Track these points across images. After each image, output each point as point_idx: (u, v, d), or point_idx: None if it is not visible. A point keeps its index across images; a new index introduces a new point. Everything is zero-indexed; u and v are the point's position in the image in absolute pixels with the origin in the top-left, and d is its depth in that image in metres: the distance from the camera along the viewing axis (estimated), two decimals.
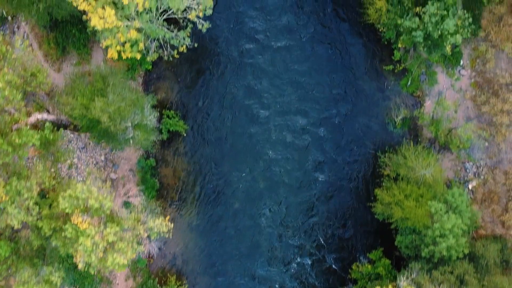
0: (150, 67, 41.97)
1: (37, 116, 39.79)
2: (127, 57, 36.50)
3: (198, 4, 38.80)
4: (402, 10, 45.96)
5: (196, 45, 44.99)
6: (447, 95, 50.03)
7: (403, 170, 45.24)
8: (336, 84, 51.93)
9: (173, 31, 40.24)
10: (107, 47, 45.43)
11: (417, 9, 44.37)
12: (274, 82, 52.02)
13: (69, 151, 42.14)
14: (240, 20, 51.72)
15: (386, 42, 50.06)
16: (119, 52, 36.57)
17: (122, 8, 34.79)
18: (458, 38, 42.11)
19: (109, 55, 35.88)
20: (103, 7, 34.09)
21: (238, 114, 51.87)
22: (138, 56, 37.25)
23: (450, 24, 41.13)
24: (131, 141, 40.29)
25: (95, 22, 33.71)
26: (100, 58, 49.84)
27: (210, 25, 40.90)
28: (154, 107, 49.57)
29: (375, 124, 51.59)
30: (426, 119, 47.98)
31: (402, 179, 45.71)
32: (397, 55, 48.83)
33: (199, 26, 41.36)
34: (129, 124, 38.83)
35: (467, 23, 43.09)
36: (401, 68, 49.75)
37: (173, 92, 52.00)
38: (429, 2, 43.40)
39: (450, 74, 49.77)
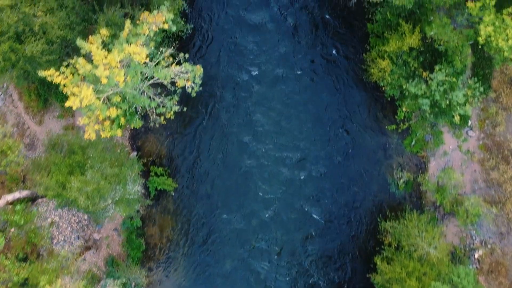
0: (140, 125, 38.88)
1: (6, 198, 36.74)
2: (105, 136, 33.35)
3: (186, 73, 35.59)
4: (408, 71, 42.81)
5: (185, 109, 41.76)
6: (453, 157, 46.94)
7: (405, 242, 42.28)
8: (334, 140, 48.81)
9: (159, 98, 37.05)
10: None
11: (425, 74, 41.16)
12: (269, 128, 49.09)
13: (45, 228, 39.06)
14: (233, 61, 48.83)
15: (389, 98, 47.03)
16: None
17: (101, 83, 31.60)
18: (468, 109, 38.97)
19: (86, 136, 32.75)
20: (77, 85, 30.97)
21: (230, 157, 48.94)
22: (119, 134, 34.11)
23: (459, 95, 37.94)
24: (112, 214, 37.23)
25: (70, 102, 30.56)
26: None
27: (201, 88, 37.63)
28: (141, 164, 46.98)
29: (375, 184, 48.53)
30: (430, 187, 44.88)
31: (404, 251, 42.71)
32: (400, 114, 45.64)
33: (188, 90, 38.19)
34: (110, 202, 35.80)
35: (477, 93, 39.89)
36: (404, 127, 46.57)
37: (162, 145, 49.05)
38: (437, 67, 40.22)
39: (457, 134, 46.63)
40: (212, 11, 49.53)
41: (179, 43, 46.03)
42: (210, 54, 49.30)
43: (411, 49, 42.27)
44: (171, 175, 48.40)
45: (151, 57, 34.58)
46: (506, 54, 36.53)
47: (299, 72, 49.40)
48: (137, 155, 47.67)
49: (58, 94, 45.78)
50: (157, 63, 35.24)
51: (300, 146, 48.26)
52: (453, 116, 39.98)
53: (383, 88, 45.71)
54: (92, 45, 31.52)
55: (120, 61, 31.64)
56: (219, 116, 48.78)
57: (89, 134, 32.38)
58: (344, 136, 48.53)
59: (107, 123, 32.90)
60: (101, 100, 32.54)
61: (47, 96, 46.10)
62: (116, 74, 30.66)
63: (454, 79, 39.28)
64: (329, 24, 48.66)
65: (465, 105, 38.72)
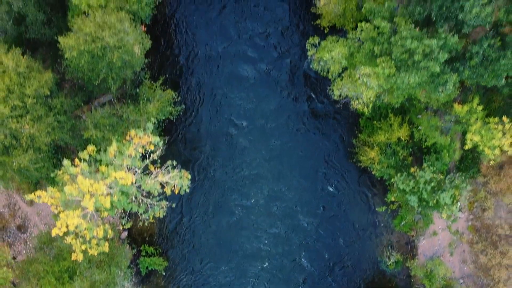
0: (129, 226, 39.21)
1: None
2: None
3: (174, 181, 35.71)
4: (397, 161, 42.91)
5: (173, 205, 41.87)
6: (442, 236, 47.19)
7: None
8: (325, 222, 48.95)
9: (148, 200, 37.20)
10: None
11: (413, 169, 41.28)
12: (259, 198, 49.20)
13: None
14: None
15: (379, 178, 47.17)
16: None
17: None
18: (455, 210, 39.16)
19: (73, 258, 32.86)
20: (64, 208, 31.19)
21: (222, 233, 49.21)
22: (107, 249, 34.27)
23: (446, 198, 38.10)
24: None
25: (56, 230, 30.76)
26: None
27: (189, 190, 37.72)
28: (131, 244, 47.36)
29: (365, 261, 48.83)
30: (419, 273, 45.17)
31: None
32: (390, 197, 45.78)
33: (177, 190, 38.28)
34: None
35: (464, 192, 40.09)
36: (394, 207, 46.78)
37: (153, 223, 49.16)
38: (425, 164, 40.37)
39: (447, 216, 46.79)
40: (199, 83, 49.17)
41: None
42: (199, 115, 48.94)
43: (400, 139, 42.37)
44: (162, 253, 48.66)
45: (139, 168, 34.67)
46: (491, 158, 36.76)
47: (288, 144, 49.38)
48: (127, 235, 47.88)
49: (49, 178, 45.99)
50: (145, 173, 35.37)
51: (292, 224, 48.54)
52: (441, 212, 40.16)
53: (373, 172, 45.76)
54: (77, 168, 31.64)
55: (107, 185, 31.74)
56: (209, 185, 48.69)
57: (77, 256, 32.53)
58: (335, 215, 48.65)
59: (94, 241, 33.04)
60: (88, 217, 32.71)
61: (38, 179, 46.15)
62: (102, 201, 30.79)
63: (442, 176, 39.41)
64: (319, 114, 48.19)
65: (452, 204, 38.86)
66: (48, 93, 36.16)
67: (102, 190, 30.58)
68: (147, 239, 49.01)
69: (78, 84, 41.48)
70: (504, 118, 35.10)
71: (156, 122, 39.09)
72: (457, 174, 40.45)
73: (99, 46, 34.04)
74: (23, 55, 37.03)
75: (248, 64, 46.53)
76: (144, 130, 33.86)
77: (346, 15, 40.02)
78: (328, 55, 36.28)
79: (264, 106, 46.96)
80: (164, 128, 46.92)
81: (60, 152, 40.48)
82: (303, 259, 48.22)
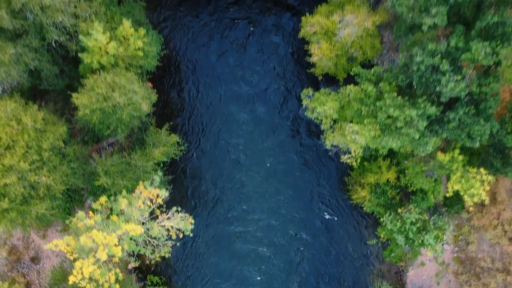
0: (137, 265, 42.47)
1: None
2: None
3: (178, 226, 38.86)
4: (386, 199, 45.98)
5: (177, 243, 45.01)
6: (430, 267, 50.28)
7: None
8: (318, 253, 52.05)
9: (155, 241, 40.34)
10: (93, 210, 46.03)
11: (400, 209, 44.36)
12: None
13: None
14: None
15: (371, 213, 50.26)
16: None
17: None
18: (439, 250, 42.24)
19: None
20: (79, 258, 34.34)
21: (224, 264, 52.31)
22: None
23: (430, 240, 41.20)
24: None
25: (73, 278, 33.92)
26: None
27: (192, 231, 40.89)
28: (138, 274, 50.45)
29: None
30: None
31: None
32: (380, 232, 48.85)
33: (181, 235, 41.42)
34: None
35: (447, 232, 43.16)
36: (384, 240, 49.81)
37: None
38: (411, 206, 43.45)
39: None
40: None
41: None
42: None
43: (389, 180, 45.43)
44: (167, 281, 51.79)
45: (147, 216, 37.82)
46: (470, 205, 39.83)
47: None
48: (134, 265, 50.98)
49: (61, 212, 49.14)
50: (151, 217, 38.52)
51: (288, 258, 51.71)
52: (426, 249, 43.24)
53: (364, 208, 48.85)
54: (91, 220, 34.77)
55: (119, 236, 34.88)
56: (209, 213, 51.86)
57: None
58: (327, 245, 51.73)
59: (107, 284, 36.16)
60: (100, 262, 35.84)
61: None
62: (115, 251, 33.92)
63: (426, 217, 42.49)
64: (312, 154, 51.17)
65: (436, 244, 41.92)
66: (63, 145, 39.25)
67: (114, 242, 33.73)
68: (152, 269, 52.13)
69: (89, 129, 44.50)
70: (482, 170, 38.18)
71: (161, 173, 41.99)
72: (440, 216, 43.44)
73: (110, 105, 37.14)
74: (38, 107, 40.22)
75: (246, 106, 49.71)
76: (151, 182, 36.93)
77: (338, 67, 43.09)
78: (321, 108, 39.35)
79: (262, 144, 50.12)
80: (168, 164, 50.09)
81: (72, 195, 43.53)
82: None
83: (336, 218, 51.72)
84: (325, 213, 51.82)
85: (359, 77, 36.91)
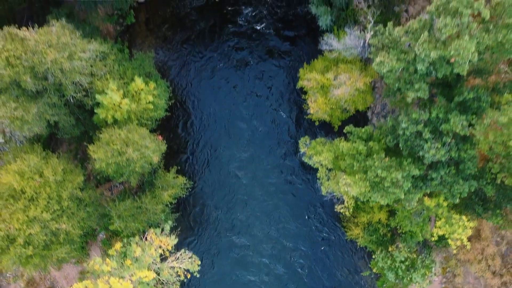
0: None
1: None
2: None
3: (186, 266, 42.42)
4: (378, 237, 49.48)
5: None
6: None
7: None
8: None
9: (163, 282, 43.91)
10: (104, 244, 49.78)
11: (391, 247, 47.88)
12: None
13: None
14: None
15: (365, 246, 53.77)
16: None
17: None
18: (426, 284, 45.77)
19: None
20: None
21: None
22: None
23: (417, 278, 44.72)
24: None
25: None
26: (97, 253, 53.68)
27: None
28: None
29: None
30: None
31: None
32: (373, 265, 52.39)
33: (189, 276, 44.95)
34: None
35: (433, 270, 46.68)
36: (377, 271, 53.34)
37: None
38: (401, 245, 46.96)
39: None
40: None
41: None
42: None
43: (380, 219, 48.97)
44: None
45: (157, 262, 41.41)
46: (454, 248, 43.40)
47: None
48: None
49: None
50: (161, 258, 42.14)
51: None
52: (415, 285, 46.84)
53: (358, 243, 52.42)
54: (108, 267, 38.33)
55: (133, 282, 38.47)
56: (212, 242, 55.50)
57: None
58: (323, 277, 55.32)
59: None
60: None
61: None
62: None
63: (414, 255, 46.03)
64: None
65: (423, 281, 45.47)
66: (80, 193, 42.80)
67: (129, 287, 37.34)
68: None
69: (103, 175, 48.01)
70: (464, 217, 41.74)
71: (171, 221, 45.56)
72: (428, 254, 46.98)
73: (124, 159, 40.66)
74: (57, 156, 43.79)
75: (248, 146, 53.42)
76: (162, 230, 40.49)
77: (333, 117, 46.58)
78: (317, 158, 42.86)
79: (263, 184, 53.74)
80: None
81: (86, 231, 46.88)
82: None
83: (331, 247, 55.31)
84: (321, 243, 55.50)
85: (351, 135, 40.43)
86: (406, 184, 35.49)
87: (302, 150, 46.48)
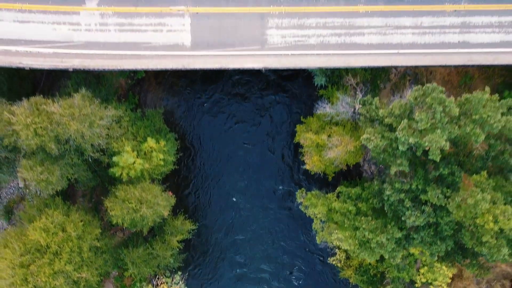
0: None
1: None
2: None
3: None
4: (368, 277, 54.09)
5: None
6: None
7: None
8: None
9: None
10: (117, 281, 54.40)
11: (381, 286, 52.50)
12: None
13: None
14: None
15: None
16: None
17: None
18: None
19: None
20: None
21: None
22: None
23: None
24: None
25: None
26: None
27: None
28: None
29: None
30: None
31: None
32: None
33: None
34: None
35: None
36: None
37: None
38: (389, 287, 51.54)
39: None
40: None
41: None
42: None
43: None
44: None
45: None
46: None
47: None
48: None
49: None
50: None
51: None
52: None
53: (350, 281, 57.04)
54: None
55: None
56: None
57: None
58: None
59: None
60: None
61: None
62: None
63: None
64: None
65: None
66: (98, 244, 47.40)
67: None
68: None
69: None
70: (444, 267, 46.31)
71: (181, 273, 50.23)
72: None
73: (138, 216, 45.30)
74: (76, 209, 48.42)
75: (250, 198, 58.13)
76: (172, 279, 45.09)
77: (327, 171, 51.18)
78: (311, 211, 47.45)
79: (264, 230, 58.65)
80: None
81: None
82: None
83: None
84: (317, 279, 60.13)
85: (342, 194, 45.00)
86: (390, 245, 40.07)
87: (299, 200, 51.04)
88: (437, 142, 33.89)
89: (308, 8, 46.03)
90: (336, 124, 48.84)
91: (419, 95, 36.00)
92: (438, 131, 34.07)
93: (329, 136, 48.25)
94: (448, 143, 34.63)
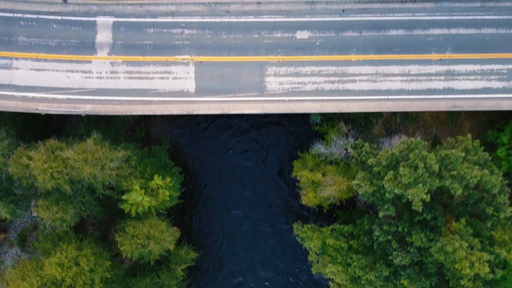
0: None
1: None
2: None
3: None
4: None
5: None
6: None
7: None
8: None
9: None
10: None
11: None
12: None
13: None
14: None
15: None
16: None
17: None
18: None
19: None
20: None
21: None
22: None
23: None
24: None
25: None
26: None
27: None
28: None
29: None
30: None
31: None
32: None
33: None
34: None
35: None
36: None
37: None
38: None
39: None
40: None
41: None
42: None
43: None
44: None
45: None
46: None
47: None
48: None
49: None
50: None
51: None
52: None
53: None
54: None
55: None
56: None
57: None
58: None
59: None
60: None
61: None
62: None
63: None
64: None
65: None
66: (109, 276, 50.94)
67: None
68: None
69: None
70: None
71: None
72: None
73: (146, 251, 48.84)
74: (88, 242, 51.98)
75: (249, 227, 61.78)
76: None
77: (323, 204, 54.75)
78: (307, 244, 50.97)
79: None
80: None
81: None
82: None
83: None
84: None
85: (335, 231, 48.54)
86: (379, 282, 43.63)
87: (295, 232, 54.60)
88: (418, 196, 37.40)
89: (303, 57, 49.60)
90: (330, 162, 52.34)
91: (403, 149, 39.53)
92: (420, 185, 37.59)
93: (323, 174, 51.76)
94: (429, 196, 38.12)
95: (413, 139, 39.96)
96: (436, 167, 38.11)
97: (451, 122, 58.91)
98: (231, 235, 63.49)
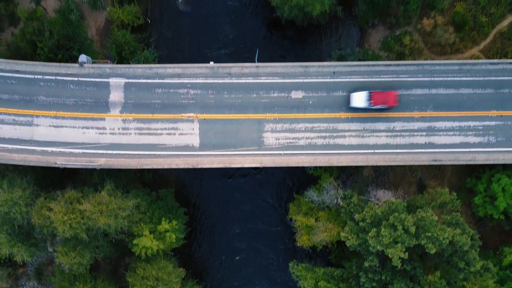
0: None
1: None
2: None
3: None
4: None
5: None
6: None
7: None
8: None
9: None
10: None
11: None
12: None
13: None
14: None
15: None
16: None
17: None
18: None
19: None
20: None
21: None
22: None
23: None
24: None
25: None
26: None
27: None
28: None
29: None
30: None
31: None
32: None
33: None
34: None
35: None
36: None
37: None
38: None
39: None
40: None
41: None
42: None
43: None
44: None
45: None
46: None
47: None
48: None
49: None
50: None
51: None
52: None
53: None
54: None
55: None
56: None
57: None
58: None
59: None
60: None
61: None
62: None
63: None
64: None
65: None
66: None
67: None
68: None
69: None
70: None
71: None
72: None
73: None
74: (102, 280, 57.10)
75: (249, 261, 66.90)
76: None
77: (316, 245, 59.82)
78: (302, 283, 56.03)
79: None
80: None
81: None
82: None
83: None
84: None
85: (326, 274, 53.64)
86: None
87: (291, 271, 59.66)
88: (397, 254, 42.46)
89: (298, 115, 54.64)
90: (323, 208, 57.41)
91: (385, 210, 44.61)
92: (399, 245, 42.64)
93: (316, 219, 56.83)
94: (406, 254, 43.20)
95: (393, 199, 44.95)
96: (413, 229, 43.14)
97: (434, 166, 63.87)
98: (230, 268, 68.43)
